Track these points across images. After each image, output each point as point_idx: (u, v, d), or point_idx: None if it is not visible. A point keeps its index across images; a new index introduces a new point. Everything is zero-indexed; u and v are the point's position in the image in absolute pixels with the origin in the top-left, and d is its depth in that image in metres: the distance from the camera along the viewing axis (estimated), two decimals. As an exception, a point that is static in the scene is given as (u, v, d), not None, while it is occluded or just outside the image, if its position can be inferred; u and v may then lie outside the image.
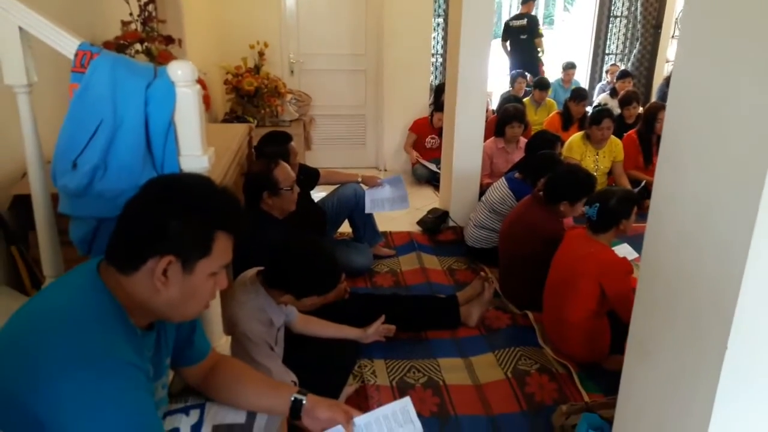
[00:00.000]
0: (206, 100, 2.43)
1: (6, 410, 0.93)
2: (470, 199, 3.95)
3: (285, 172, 2.46)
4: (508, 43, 6.78)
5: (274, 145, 2.95)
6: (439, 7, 6.00)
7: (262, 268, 1.90)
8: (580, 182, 2.77)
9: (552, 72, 6.97)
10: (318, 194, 3.54)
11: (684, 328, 1.19)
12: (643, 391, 1.37)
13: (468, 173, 3.95)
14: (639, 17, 6.95)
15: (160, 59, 2.44)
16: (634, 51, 7.08)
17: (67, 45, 1.30)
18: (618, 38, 7.18)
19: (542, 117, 5.66)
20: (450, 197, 4.00)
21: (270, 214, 2.47)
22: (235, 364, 1.42)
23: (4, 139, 1.86)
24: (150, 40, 2.56)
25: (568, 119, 5.16)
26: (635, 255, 3.04)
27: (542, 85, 5.81)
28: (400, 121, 5.52)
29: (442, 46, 6.10)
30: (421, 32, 5.44)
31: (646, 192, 3.70)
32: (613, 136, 4.37)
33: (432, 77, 6.03)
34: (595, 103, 6.14)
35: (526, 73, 6.35)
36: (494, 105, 6.02)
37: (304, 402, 1.33)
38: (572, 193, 2.77)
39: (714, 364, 1.07)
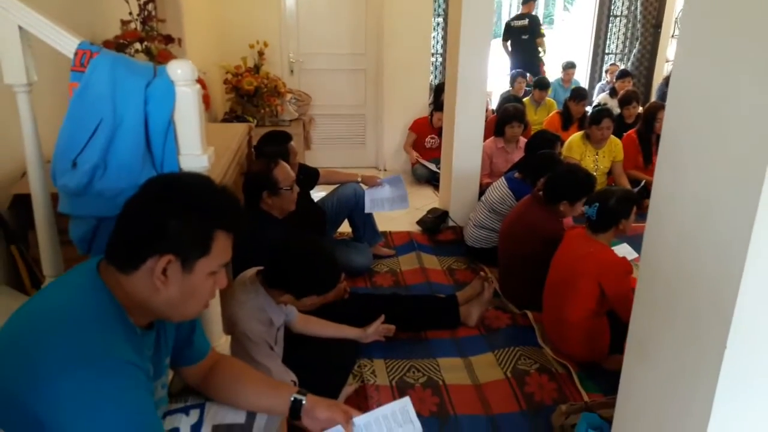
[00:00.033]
0: (206, 100, 2.43)
1: (6, 410, 0.93)
2: (470, 198, 3.95)
3: (285, 172, 2.46)
4: (509, 43, 6.77)
5: (274, 145, 2.95)
6: (439, 6, 6.01)
7: (261, 267, 1.90)
8: (579, 182, 2.78)
9: (552, 72, 6.97)
10: (318, 194, 3.54)
11: (683, 327, 1.19)
12: (643, 390, 1.38)
13: (468, 173, 3.95)
14: (639, 17, 6.95)
15: (160, 58, 2.44)
16: (634, 50, 7.09)
17: (67, 44, 1.30)
18: (618, 38, 7.18)
19: (542, 117, 5.66)
20: (450, 197, 4.01)
21: (270, 214, 2.47)
22: (234, 363, 1.42)
23: (3, 138, 1.86)
24: (150, 40, 2.56)
25: (567, 119, 5.16)
26: (635, 255, 3.04)
27: (542, 84, 5.81)
28: (400, 120, 5.52)
29: (441, 46, 6.10)
30: (421, 32, 5.45)
31: (646, 192, 3.70)
32: (612, 136, 4.38)
33: (432, 77, 6.03)
34: (594, 103, 6.14)
35: (527, 73, 6.35)
36: (494, 105, 6.02)
37: (303, 402, 1.33)
38: (572, 193, 2.78)
39: (713, 364, 1.07)
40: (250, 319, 1.78)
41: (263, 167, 2.45)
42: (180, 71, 1.25)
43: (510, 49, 6.78)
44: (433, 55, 6.02)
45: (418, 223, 4.05)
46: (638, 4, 6.90)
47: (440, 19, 6.07)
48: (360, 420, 1.32)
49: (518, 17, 6.80)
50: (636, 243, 3.00)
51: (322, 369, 2.07)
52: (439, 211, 4.06)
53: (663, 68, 7.06)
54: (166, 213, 1.01)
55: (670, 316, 1.24)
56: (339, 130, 5.67)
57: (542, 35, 6.74)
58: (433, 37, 5.94)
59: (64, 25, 1.32)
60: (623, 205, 2.41)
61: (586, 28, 7.40)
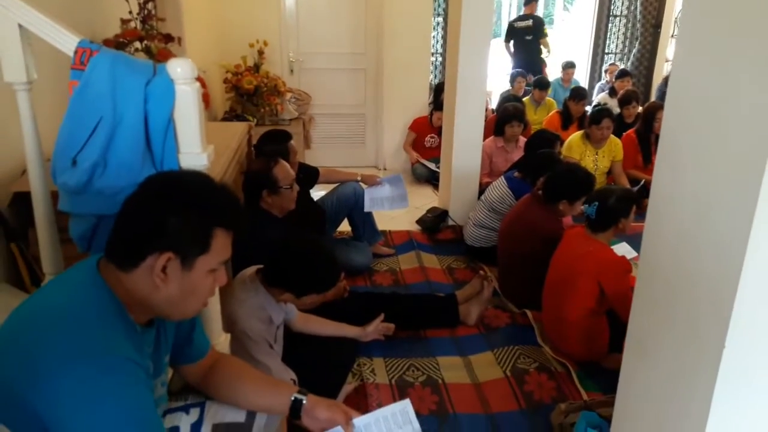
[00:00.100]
0: (206, 99, 2.42)
1: (7, 407, 0.93)
2: (469, 198, 3.95)
3: (284, 171, 2.47)
4: (511, 44, 6.78)
5: (274, 144, 2.95)
6: (439, 6, 6.01)
7: (261, 266, 1.90)
8: (579, 181, 2.78)
9: (552, 71, 6.98)
10: (317, 193, 3.54)
11: (682, 326, 1.19)
12: (642, 389, 1.38)
13: (467, 172, 3.95)
14: (639, 17, 6.95)
15: (160, 57, 2.44)
16: (634, 50, 7.09)
17: (67, 42, 1.30)
18: (617, 37, 7.18)
19: (542, 116, 5.66)
20: (449, 196, 4.01)
21: (269, 213, 2.47)
22: (234, 362, 1.42)
23: (3, 136, 1.86)
24: (149, 38, 2.56)
25: (567, 118, 5.16)
26: (634, 254, 3.04)
27: (542, 84, 5.82)
28: (400, 120, 5.52)
29: (441, 45, 6.10)
30: (421, 31, 5.45)
31: (645, 191, 3.70)
32: (612, 136, 4.38)
33: (431, 76, 6.03)
34: (594, 103, 6.14)
35: (527, 73, 6.35)
36: (494, 104, 6.02)
37: (304, 402, 1.33)
38: (571, 192, 2.78)
39: (712, 363, 1.07)
40: (249, 318, 1.79)
41: (263, 166, 2.46)
42: (180, 69, 1.25)
43: (512, 49, 6.78)
44: (432, 54, 6.02)
45: (418, 222, 4.06)
46: (638, 3, 6.90)
47: (440, 19, 6.07)
48: (360, 421, 1.32)
49: (522, 18, 6.80)
50: (635, 242, 3.00)
51: (321, 367, 2.07)
52: (439, 210, 4.06)
53: (663, 68, 7.07)
54: (166, 211, 1.02)
55: (669, 315, 1.24)
56: (339, 130, 5.68)
57: (546, 36, 6.76)
58: (433, 37, 5.94)
59: (64, 23, 1.33)
60: (622, 204, 2.41)
61: (585, 28, 7.40)
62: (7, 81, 1.36)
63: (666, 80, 6.11)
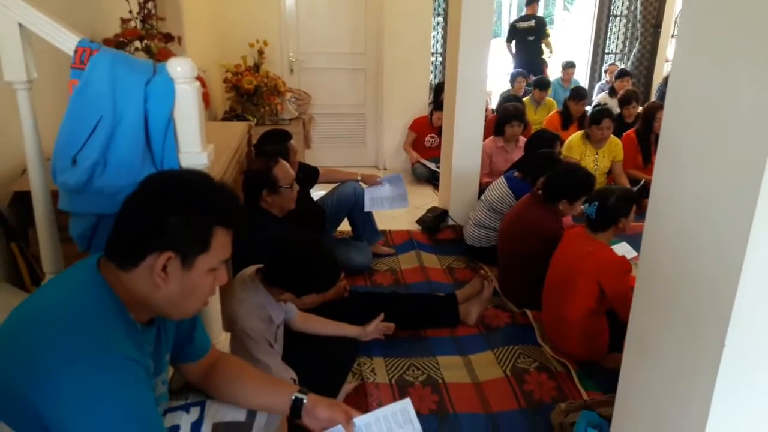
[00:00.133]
0: (206, 98, 2.43)
1: (8, 406, 0.93)
2: (469, 197, 3.95)
3: (284, 170, 2.47)
4: (513, 44, 6.78)
5: (274, 144, 2.95)
6: (439, 6, 6.01)
7: (261, 265, 1.90)
8: (579, 181, 2.78)
9: (552, 71, 6.98)
10: (317, 193, 3.54)
11: (682, 326, 1.19)
12: (642, 388, 1.38)
13: (467, 172, 3.95)
14: (639, 16, 6.96)
15: (160, 57, 2.44)
16: (634, 50, 7.09)
17: (67, 41, 1.30)
18: (618, 37, 7.18)
19: (542, 116, 5.66)
20: (449, 196, 4.01)
21: (269, 212, 2.47)
22: (235, 361, 1.42)
23: (3, 135, 1.86)
24: (149, 38, 2.56)
25: (567, 118, 5.16)
26: (634, 254, 3.04)
27: (542, 84, 5.82)
28: (400, 119, 5.52)
29: (441, 45, 6.10)
30: (421, 31, 5.45)
31: (645, 191, 3.70)
32: (612, 136, 4.38)
33: (431, 76, 6.03)
34: (594, 103, 6.14)
35: (527, 73, 6.35)
36: (494, 104, 6.02)
37: (304, 401, 1.33)
38: (571, 192, 2.78)
39: (712, 362, 1.07)
40: (249, 317, 1.79)
41: (263, 165, 2.46)
42: (180, 69, 1.25)
43: (514, 50, 6.78)
44: (432, 54, 6.02)
45: (418, 222, 4.06)
46: (638, 3, 6.90)
47: (440, 19, 6.07)
48: (360, 420, 1.32)
49: (524, 18, 6.80)
50: (635, 242, 3.00)
51: (321, 367, 2.07)
52: (439, 210, 4.06)
53: (663, 68, 7.07)
54: (166, 210, 1.02)
55: (669, 315, 1.24)
56: (339, 129, 5.68)
57: (548, 36, 6.76)
58: (433, 37, 5.94)
59: (64, 22, 1.33)
60: (622, 204, 2.41)
61: (585, 28, 7.41)
62: (7, 80, 1.36)
63: (666, 80, 6.11)
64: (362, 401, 2.21)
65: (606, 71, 6.92)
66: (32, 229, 1.65)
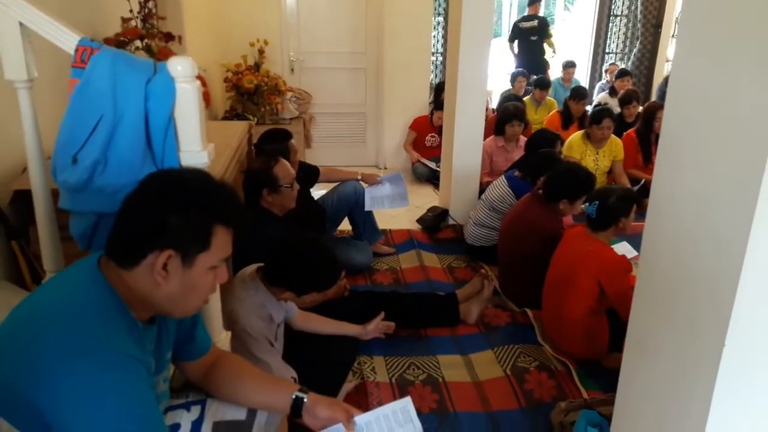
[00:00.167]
0: (206, 97, 2.43)
1: (9, 404, 0.93)
2: (470, 197, 3.95)
3: (285, 170, 2.47)
4: (516, 44, 6.78)
5: (274, 143, 2.95)
6: (440, 5, 6.00)
7: (261, 264, 1.90)
8: (579, 180, 2.78)
9: (552, 71, 6.98)
10: (318, 192, 3.54)
11: (682, 325, 1.19)
12: (642, 387, 1.38)
13: (468, 171, 3.95)
14: (639, 16, 6.95)
15: (160, 56, 2.44)
16: (634, 50, 7.09)
17: (68, 40, 1.30)
18: (618, 37, 7.18)
19: (542, 116, 5.66)
20: (450, 195, 4.01)
21: (270, 211, 2.47)
22: (235, 360, 1.42)
23: (4, 134, 1.86)
24: (150, 37, 2.56)
25: (568, 118, 5.16)
26: (634, 253, 3.04)
27: (542, 84, 5.81)
28: (400, 119, 5.52)
29: (442, 45, 6.10)
30: (422, 31, 5.45)
31: (645, 191, 3.70)
32: (613, 136, 4.38)
33: (432, 76, 6.03)
34: (595, 102, 6.14)
35: (527, 72, 6.34)
36: (494, 104, 6.02)
37: (305, 400, 1.33)
38: (572, 192, 2.78)
39: (712, 361, 1.08)
40: (250, 315, 1.79)
41: (263, 165, 2.46)
42: (180, 68, 1.25)
43: (517, 50, 6.78)
44: (433, 54, 6.02)
45: (418, 221, 4.06)
46: (638, 3, 6.89)
47: (440, 18, 6.07)
48: (361, 419, 1.32)
49: (527, 18, 6.80)
50: (636, 241, 3.00)
51: (321, 366, 2.08)
52: (439, 209, 4.07)
53: (663, 68, 7.06)
54: (166, 208, 1.02)
55: (670, 314, 1.24)
56: (339, 129, 5.68)
57: (551, 36, 6.77)
58: (434, 36, 5.94)
59: (65, 21, 1.33)
60: (623, 203, 2.41)
61: (586, 28, 7.41)
62: (8, 79, 1.36)
63: (667, 80, 6.10)
64: (362, 400, 2.21)
65: (606, 71, 6.92)
66: (33, 227, 1.65)
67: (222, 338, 1.57)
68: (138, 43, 2.50)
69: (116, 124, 1.25)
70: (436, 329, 2.73)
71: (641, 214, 1.73)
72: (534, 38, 6.66)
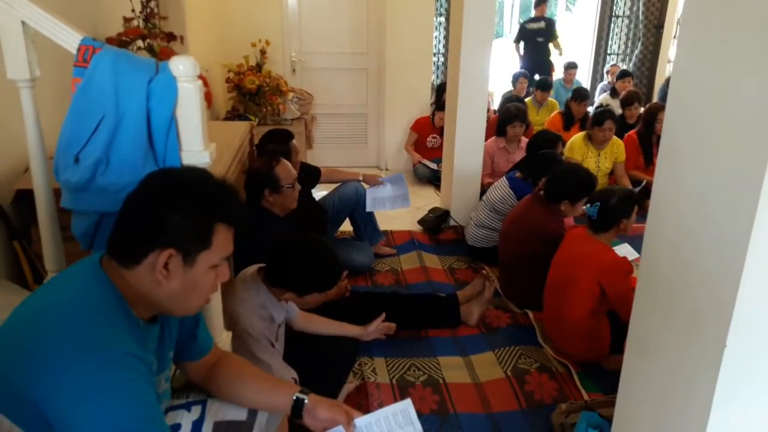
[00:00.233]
0: (208, 98, 2.43)
1: (10, 402, 0.93)
2: (471, 198, 3.95)
3: (286, 170, 2.47)
4: (521, 45, 6.78)
5: (276, 143, 2.95)
6: (441, 6, 6.00)
7: (262, 264, 1.90)
8: (580, 182, 2.77)
9: (555, 72, 6.98)
10: (319, 192, 3.54)
11: (683, 326, 1.19)
12: (643, 389, 1.38)
13: (469, 173, 3.95)
14: (641, 17, 6.94)
15: (162, 56, 2.44)
16: (636, 51, 7.08)
17: (70, 39, 1.30)
18: (620, 38, 7.17)
19: (544, 117, 5.66)
20: (451, 196, 4.01)
21: (271, 212, 2.47)
22: (237, 360, 1.42)
23: (6, 133, 1.86)
24: (152, 37, 2.56)
25: (569, 119, 5.16)
26: (636, 255, 3.03)
27: (544, 85, 5.81)
28: (402, 120, 5.52)
29: (443, 46, 6.10)
30: (423, 31, 5.45)
31: (647, 192, 3.69)
32: (615, 137, 4.37)
33: (433, 76, 6.03)
34: (596, 104, 6.14)
35: (528, 74, 6.34)
36: (496, 105, 6.01)
37: (305, 401, 1.33)
38: (573, 193, 2.78)
39: (713, 362, 1.07)
40: (251, 316, 1.79)
41: (265, 165, 2.46)
42: (182, 67, 1.25)
43: (522, 51, 6.78)
44: (434, 54, 6.01)
45: (420, 222, 4.05)
46: (640, 4, 6.89)
47: (442, 19, 6.07)
48: (361, 421, 1.32)
49: (534, 20, 6.81)
50: (637, 243, 2.98)
51: (322, 366, 2.07)
52: (441, 210, 4.06)
53: (665, 69, 7.05)
54: (167, 207, 1.02)
55: (671, 315, 1.24)
56: (341, 130, 5.68)
57: (558, 38, 6.78)
58: (435, 37, 5.93)
59: (67, 21, 1.33)
60: (624, 205, 2.41)
61: (587, 29, 7.40)
62: (10, 78, 1.37)
63: (668, 81, 6.09)
64: (363, 401, 2.21)
65: (608, 72, 6.91)
66: (35, 227, 1.66)
67: (223, 338, 1.57)
68: (140, 42, 2.51)
69: (118, 124, 1.25)
70: (436, 330, 2.73)
71: (643, 216, 1.73)
72: (540, 39, 6.67)
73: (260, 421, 1.35)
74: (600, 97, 6.50)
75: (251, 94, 4.61)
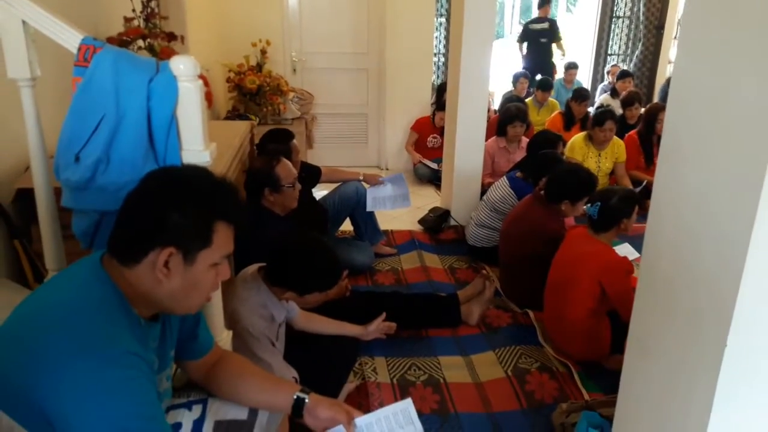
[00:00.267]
0: (208, 97, 2.43)
1: (11, 400, 0.94)
2: (471, 198, 3.95)
3: (287, 169, 2.47)
4: (524, 45, 6.78)
5: (276, 143, 2.95)
6: (441, 6, 6.00)
7: (263, 264, 1.90)
8: (581, 181, 2.77)
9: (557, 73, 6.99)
10: (320, 192, 3.54)
11: (684, 326, 1.19)
12: (643, 389, 1.38)
13: (469, 172, 3.95)
14: (641, 18, 6.94)
15: (163, 55, 2.44)
16: (636, 51, 7.08)
17: (71, 39, 1.30)
18: (620, 39, 7.17)
19: (544, 117, 5.66)
20: (451, 196, 4.01)
21: (271, 211, 2.47)
22: (237, 360, 1.42)
23: (7, 132, 1.86)
24: (152, 37, 2.57)
25: (570, 119, 5.16)
26: (636, 255, 3.03)
27: (544, 85, 5.81)
28: (402, 120, 5.53)
29: (444, 46, 6.10)
30: (423, 31, 5.45)
31: (647, 192, 3.69)
32: (615, 137, 4.37)
33: (434, 76, 6.03)
34: (597, 104, 6.14)
35: (528, 74, 6.34)
36: (496, 105, 6.02)
37: (306, 400, 1.33)
38: (573, 193, 2.78)
39: (713, 362, 1.07)
40: (251, 315, 1.79)
41: (265, 164, 2.46)
42: (182, 66, 1.26)
43: (525, 52, 6.78)
44: (435, 54, 6.01)
45: (420, 222, 4.06)
46: (641, 5, 6.89)
47: (443, 19, 6.07)
48: (362, 420, 1.32)
49: (537, 20, 6.82)
50: (637, 243, 3.00)
51: (323, 366, 2.08)
52: (441, 210, 4.07)
53: (665, 69, 7.05)
54: (167, 206, 1.02)
55: (671, 315, 1.24)
56: (341, 129, 5.68)
57: (561, 39, 6.78)
58: (436, 37, 5.93)
59: (68, 20, 1.33)
60: (625, 205, 2.41)
61: (588, 29, 7.40)
62: (11, 77, 1.37)
63: (669, 81, 6.09)
64: (363, 401, 2.21)
65: (608, 72, 6.91)
66: (35, 226, 1.66)
67: (223, 337, 1.57)
68: (140, 42, 2.51)
69: (119, 123, 1.25)
70: (437, 330, 2.73)
71: (643, 216, 1.73)
72: (544, 40, 6.68)
73: (261, 421, 1.35)
74: (600, 98, 6.50)
75: (252, 94, 4.61)
